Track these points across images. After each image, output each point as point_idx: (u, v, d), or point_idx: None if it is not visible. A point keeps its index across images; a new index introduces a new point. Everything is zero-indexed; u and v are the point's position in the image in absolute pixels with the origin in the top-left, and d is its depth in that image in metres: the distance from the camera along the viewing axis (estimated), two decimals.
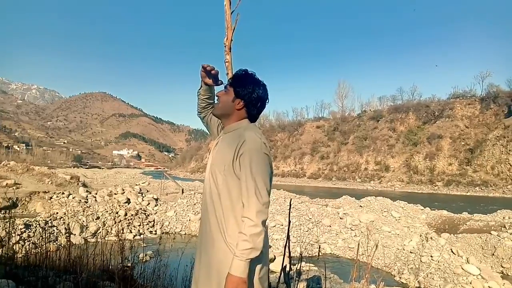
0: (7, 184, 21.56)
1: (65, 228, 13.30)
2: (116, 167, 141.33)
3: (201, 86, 2.02)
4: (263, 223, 1.57)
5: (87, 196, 20.26)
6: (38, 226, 12.57)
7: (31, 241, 11.06)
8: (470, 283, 9.36)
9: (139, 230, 15.49)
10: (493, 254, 11.92)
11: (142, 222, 16.18)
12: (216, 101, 1.89)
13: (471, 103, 60.84)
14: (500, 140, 50.08)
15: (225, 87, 1.86)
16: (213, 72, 1.91)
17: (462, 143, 55.69)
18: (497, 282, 9.37)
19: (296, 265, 4.86)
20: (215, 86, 2.01)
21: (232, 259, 1.53)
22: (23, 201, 19.16)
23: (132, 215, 16.35)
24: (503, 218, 16.19)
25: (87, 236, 13.72)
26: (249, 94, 1.78)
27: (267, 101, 1.87)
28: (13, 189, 20.18)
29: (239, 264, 1.50)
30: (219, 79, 1.96)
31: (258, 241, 1.53)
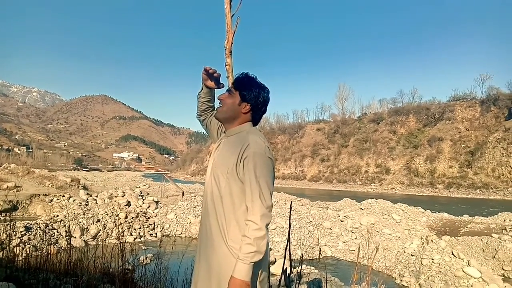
0: (7, 186, 21.58)
1: (66, 231, 13.30)
2: (116, 170, 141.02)
3: (202, 89, 2.01)
4: (267, 226, 1.57)
5: (87, 199, 20.25)
6: (38, 229, 12.58)
7: (32, 244, 11.09)
8: (471, 285, 9.33)
9: (139, 233, 15.49)
10: (494, 257, 11.89)
11: (143, 225, 16.18)
12: (219, 105, 1.86)
13: (472, 105, 60.90)
14: (501, 143, 50.04)
15: (229, 90, 1.84)
16: (215, 74, 1.91)
17: (463, 145, 55.67)
18: (498, 285, 9.34)
19: (297, 267, 4.85)
20: (216, 89, 2.01)
21: (234, 262, 1.54)
22: (24, 204, 19.18)
23: (132, 217, 16.35)
24: (504, 220, 16.17)
25: (88, 239, 13.73)
26: (256, 98, 1.78)
27: (268, 104, 1.87)
28: (14, 191, 20.21)
29: (242, 267, 1.50)
30: (221, 82, 1.96)
31: (262, 244, 1.53)
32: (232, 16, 2.48)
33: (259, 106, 1.81)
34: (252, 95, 1.78)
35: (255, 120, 1.85)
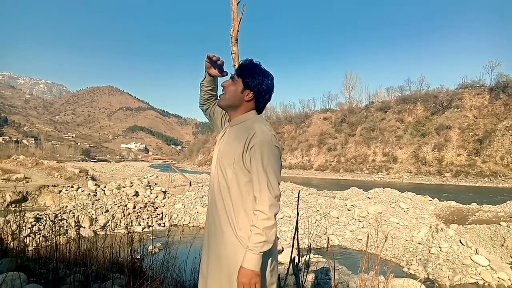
0: (17, 178, 21.88)
1: (75, 221, 13.44)
2: (124, 161, 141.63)
3: (205, 77, 1.97)
4: (275, 216, 1.56)
5: (95, 189, 20.45)
6: (48, 219, 12.71)
7: (42, 234, 11.22)
8: (479, 274, 9.32)
9: (147, 223, 15.61)
10: (502, 245, 11.82)
11: (151, 215, 16.30)
12: (221, 92, 1.83)
13: (480, 93, 60.09)
14: (510, 130, 49.55)
15: (232, 77, 1.80)
16: (218, 62, 1.86)
17: (471, 133, 55.14)
18: (506, 273, 9.32)
19: (305, 256, 4.87)
20: (219, 78, 1.97)
21: (243, 252, 1.53)
22: (33, 195, 19.43)
23: (140, 207, 16.47)
24: None
25: (97, 229, 13.87)
26: (259, 85, 1.74)
27: (273, 92, 1.83)
28: (23, 183, 20.49)
29: (252, 257, 1.49)
30: (224, 70, 1.92)
31: (271, 234, 1.52)
32: (238, 4, 2.44)
33: (263, 93, 1.77)
34: (255, 82, 1.73)
35: (259, 108, 1.81)
